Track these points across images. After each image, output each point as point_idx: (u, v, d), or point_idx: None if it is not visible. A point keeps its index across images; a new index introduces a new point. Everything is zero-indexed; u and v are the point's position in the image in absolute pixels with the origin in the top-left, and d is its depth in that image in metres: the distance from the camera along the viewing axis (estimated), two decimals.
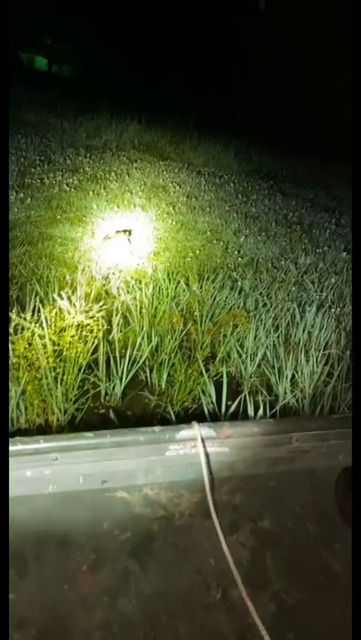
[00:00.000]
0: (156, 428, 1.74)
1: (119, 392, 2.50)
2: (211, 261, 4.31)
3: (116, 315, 2.86)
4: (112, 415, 2.30)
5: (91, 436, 1.68)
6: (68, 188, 5.65)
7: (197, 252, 4.49)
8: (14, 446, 1.63)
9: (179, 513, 1.61)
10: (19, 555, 1.45)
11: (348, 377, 2.74)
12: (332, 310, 3.52)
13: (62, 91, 14.90)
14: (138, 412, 2.51)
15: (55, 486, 1.66)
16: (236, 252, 4.65)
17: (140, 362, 2.61)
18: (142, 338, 2.71)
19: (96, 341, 2.39)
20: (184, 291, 3.43)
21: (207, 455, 1.69)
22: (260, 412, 2.31)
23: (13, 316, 2.28)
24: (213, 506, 1.57)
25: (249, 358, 2.85)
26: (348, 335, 3.18)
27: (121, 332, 2.78)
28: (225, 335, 2.99)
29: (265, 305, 3.47)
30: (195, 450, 1.70)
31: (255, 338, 2.96)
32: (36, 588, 1.35)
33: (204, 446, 1.68)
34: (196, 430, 1.70)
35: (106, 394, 2.49)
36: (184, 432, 1.72)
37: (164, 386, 2.62)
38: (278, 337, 3.02)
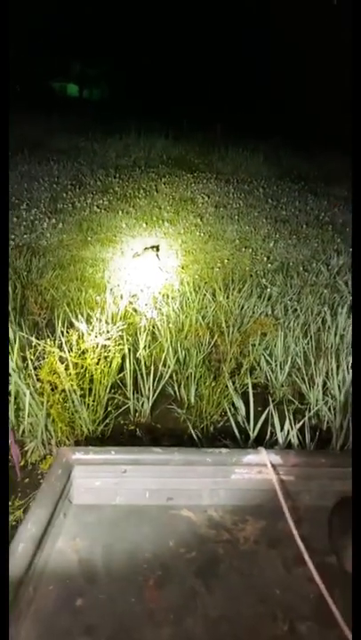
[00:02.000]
0: (224, 450, 1.75)
1: (148, 408, 2.52)
2: (239, 270, 4.28)
3: (144, 331, 2.90)
4: (139, 433, 2.33)
5: (159, 452, 1.72)
6: (98, 210, 5.81)
7: (226, 261, 4.48)
8: (86, 455, 1.68)
9: (243, 538, 1.60)
10: (88, 561, 1.47)
11: None
12: None
13: (92, 114, 15.37)
14: (168, 426, 2.53)
15: (122, 498, 1.70)
16: (266, 258, 4.60)
17: (167, 377, 2.63)
18: (168, 353, 2.73)
19: (120, 360, 2.44)
20: (210, 302, 3.43)
21: (282, 482, 1.67)
22: (291, 421, 2.26)
23: (37, 340, 2.36)
24: (280, 534, 1.54)
25: (279, 367, 2.81)
26: None
27: (148, 348, 2.81)
28: (253, 345, 2.96)
29: (295, 311, 3.41)
30: (260, 475, 1.70)
31: (284, 345, 2.91)
32: (105, 595, 1.38)
33: (278, 473, 1.68)
34: (264, 456, 1.70)
35: (135, 410, 2.52)
36: (251, 457, 1.72)
37: (193, 400, 2.63)
38: (308, 343, 2.95)
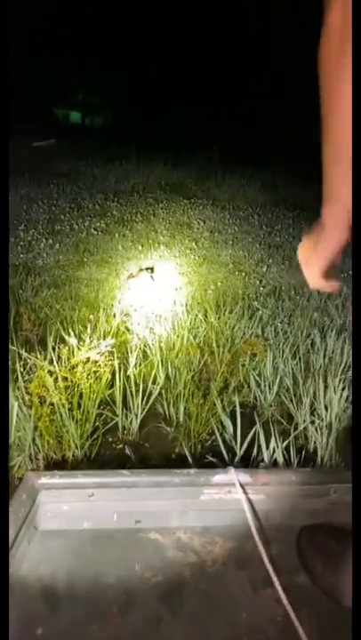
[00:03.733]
0: (192, 471, 1.74)
1: (136, 426, 2.54)
2: (232, 292, 4.35)
3: (135, 350, 2.93)
4: (127, 451, 2.33)
5: (127, 474, 1.71)
6: (95, 232, 5.91)
7: (219, 284, 4.55)
8: (52, 479, 1.67)
9: (211, 560, 1.57)
10: (50, 588, 1.45)
11: None
12: None
13: (94, 141, 15.74)
14: (156, 445, 2.54)
15: (90, 523, 1.68)
16: (258, 282, 4.67)
17: (155, 394, 2.65)
18: (158, 371, 2.76)
19: (109, 376, 2.46)
20: (202, 322, 3.48)
21: (250, 501, 1.65)
22: (277, 441, 2.28)
23: (28, 355, 2.39)
24: (248, 556, 1.53)
25: (268, 387, 2.84)
26: None
27: (138, 366, 2.84)
28: (243, 365, 2.99)
29: (285, 332, 3.46)
30: (230, 495, 1.68)
31: (273, 366, 2.95)
32: (66, 624, 1.35)
33: (245, 492, 1.66)
34: (233, 475, 1.68)
35: (123, 428, 2.54)
36: (220, 476, 1.71)
37: (181, 418, 2.64)
38: (297, 364, 2.99)
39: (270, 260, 5.40)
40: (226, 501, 1.69)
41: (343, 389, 2.69)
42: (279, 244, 6.13)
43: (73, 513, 1.67)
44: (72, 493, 1.67)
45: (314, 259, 1.21)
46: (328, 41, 0.93)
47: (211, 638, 1.35)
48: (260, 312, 3.81)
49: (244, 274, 4.91)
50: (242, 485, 1.67)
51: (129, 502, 1.69)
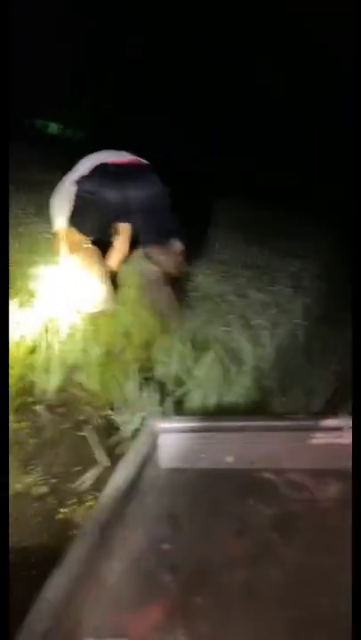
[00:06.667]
0: (302, 416, 1.89)
1: None
2: None
3: None
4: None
5: (240, 419, 1.88)
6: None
7: None
8: (171, 423, 1.82)
9: (323, 498, 1.65)
10: (174, 515, 1.61)
11: None
12: None
13: (71, 152, 16.07)
14: None
15: (206, 462, 1.81)
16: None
17: None
18: None
19: None
20: None
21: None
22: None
23: None
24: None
25: None
26: None
27: None
28: None
29: None
30: (339, 439, 1.75)
31: None
32: (187, 542, 1.50)
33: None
34: (343, 420, 1.75)
35: None
36: (330, 421, 1.79)
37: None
38: None
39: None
40: (335, 445, 1.76)
41: None
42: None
43: (190, 454, 1.81)
44: (189, 437, 1.82)
45: None
46: None
47: (319, 564, 1.44)
48: None
49: None
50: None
51: (242, 445, 1.80)
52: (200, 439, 1.82)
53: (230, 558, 1.44)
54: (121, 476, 1.61)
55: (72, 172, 4.41)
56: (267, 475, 1.74)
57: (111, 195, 3.89)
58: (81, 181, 4.01)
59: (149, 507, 1.63)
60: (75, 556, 1.29)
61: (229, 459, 1.80)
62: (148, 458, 1.75)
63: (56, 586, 1.19)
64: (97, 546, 1.34)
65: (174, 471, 1.78)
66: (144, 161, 4.43)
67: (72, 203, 3.97)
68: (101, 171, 3.99)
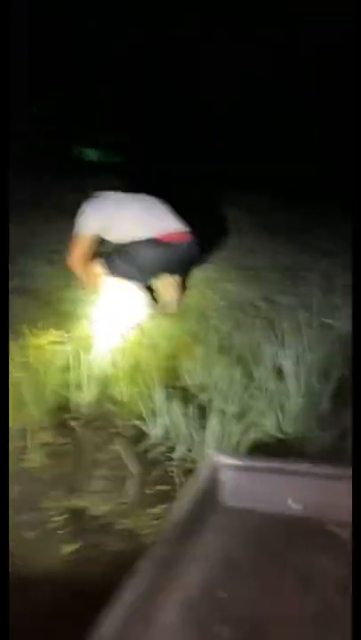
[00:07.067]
0: None
1: None
2: None
3: None
4: None
5: (301, 462, 1.79)
6: None
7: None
8: (233, 460, 1.74)
9: None
10: (229, 558, 1.50)
11: None
12: None
13: (107, 178, 16.41)
14: None
15: (271, 505, 1.68)
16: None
17: None
18: None
19: None
20: None
21: None
22: None
23: None
24: None
25: None
26: None
27: None
28: None
29: None
30: None
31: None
32: (245, 591, 1.37)
33: None
34: None
35: None
36: None
37: None
38: None
39: None
40: None
41: None
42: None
43: (254, 494, 1.70)
44: (251, 475, 1.72)
45: None
46: None
47: None
48: None
49: None
50: None
51: (311, 492, 1.69)
52: (264, 479, 1.73)
53: (290, 617, 1.31)
54: (180, 511, 1.56)
55: (119, 204, 4.86)
56: (337, 529, 1.61)
57: (155, 266, 4.60)
58: (132, 246, 4.48)
59: (207, 546, 1.54)
60: (131, 592, 1.23)
61: (297, 506, 1.68)
62: (210, 494, 1.67)
63: (110, 624, 1.14)
64: (152, 583, 1.28)
65: (235, 510, 1.67)
66: (189, 233, 4.78)
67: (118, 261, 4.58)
68: (151, 245, 4.46)
